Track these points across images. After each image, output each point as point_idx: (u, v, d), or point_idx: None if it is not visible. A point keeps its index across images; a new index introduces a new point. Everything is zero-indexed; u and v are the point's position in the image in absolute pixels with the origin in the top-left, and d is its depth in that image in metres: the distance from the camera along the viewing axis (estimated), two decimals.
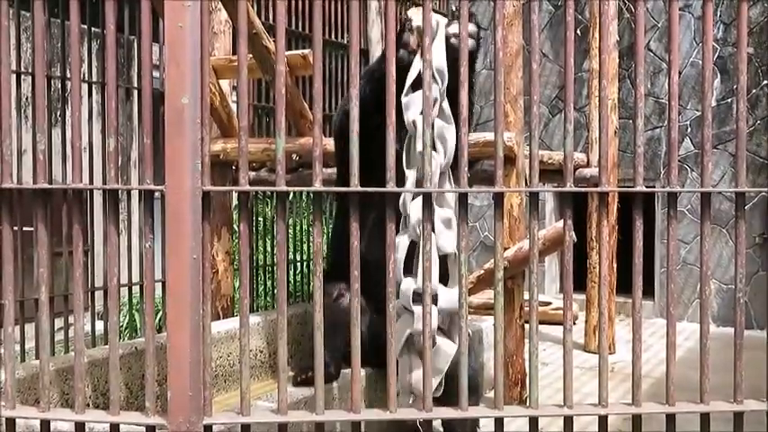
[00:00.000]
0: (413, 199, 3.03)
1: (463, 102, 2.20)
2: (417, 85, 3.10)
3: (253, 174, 4.89)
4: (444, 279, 3.10)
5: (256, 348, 3.84)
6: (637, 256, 2.23)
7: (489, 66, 8.27)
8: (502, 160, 2.20)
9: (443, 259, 3.11)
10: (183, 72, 2.01)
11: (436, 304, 3.09)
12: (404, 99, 3.08)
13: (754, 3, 6.81)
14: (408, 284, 3.08)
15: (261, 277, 6.24)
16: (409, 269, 3.08)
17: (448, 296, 3.02)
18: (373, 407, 2.27)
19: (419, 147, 2.99)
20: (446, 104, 3.06)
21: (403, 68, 3.01)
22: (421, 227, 2.92)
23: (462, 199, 2.23)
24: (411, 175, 3.06)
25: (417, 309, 2.95)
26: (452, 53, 3.02)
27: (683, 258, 7.34)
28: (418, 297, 2.90)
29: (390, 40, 2.16)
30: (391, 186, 2.16)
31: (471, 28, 2.91)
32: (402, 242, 3.07)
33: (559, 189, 2.25)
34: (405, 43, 3.17)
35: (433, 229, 2.35)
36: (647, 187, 2.24)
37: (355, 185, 2.16)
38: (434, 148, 2.91)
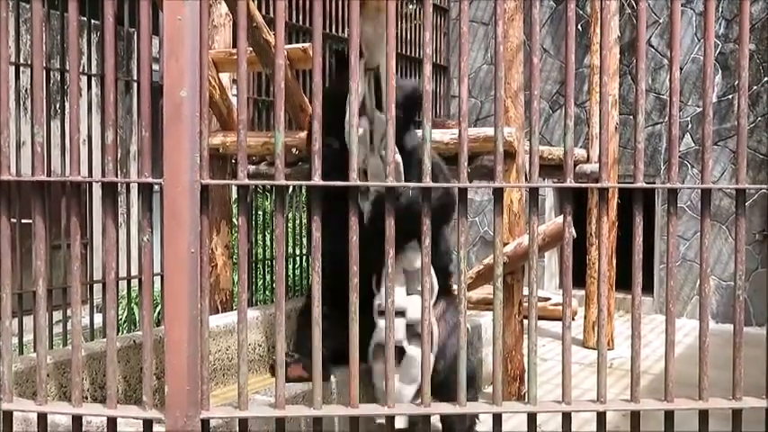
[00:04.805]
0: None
1: (463, 96, 2.20)
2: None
3: (252, 167, 4.88)
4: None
5: (255, 342, 3.84)
6: (636, 253, 2.22)
7: (490, 61, 8.25)
8: (502, 156, 2.19)
9: (416, 273, 3.13)
10: (181, 65, 2.00)
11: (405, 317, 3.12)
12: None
13: None
14: (380, 299, 3.12)
15: (260, 271, 6.23)
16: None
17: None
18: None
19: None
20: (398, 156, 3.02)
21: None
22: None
23: (462, 194, 2.22)
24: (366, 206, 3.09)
25: (381, 321, 2.95)
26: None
27: (682, 255, 7.33)
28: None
29: (391, 35, 2.15)
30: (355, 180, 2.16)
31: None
32: None
33: (559, 185, 2.24)
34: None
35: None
36: (647, 183, 2.23)
37: (354, 180, 2.16)
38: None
